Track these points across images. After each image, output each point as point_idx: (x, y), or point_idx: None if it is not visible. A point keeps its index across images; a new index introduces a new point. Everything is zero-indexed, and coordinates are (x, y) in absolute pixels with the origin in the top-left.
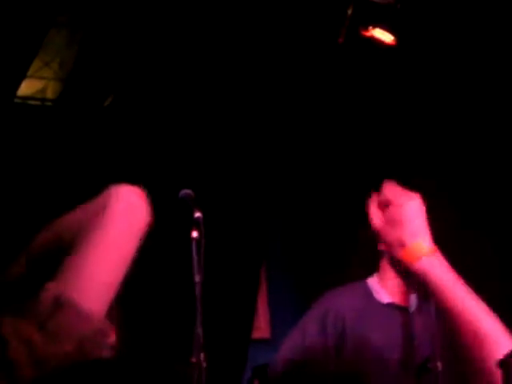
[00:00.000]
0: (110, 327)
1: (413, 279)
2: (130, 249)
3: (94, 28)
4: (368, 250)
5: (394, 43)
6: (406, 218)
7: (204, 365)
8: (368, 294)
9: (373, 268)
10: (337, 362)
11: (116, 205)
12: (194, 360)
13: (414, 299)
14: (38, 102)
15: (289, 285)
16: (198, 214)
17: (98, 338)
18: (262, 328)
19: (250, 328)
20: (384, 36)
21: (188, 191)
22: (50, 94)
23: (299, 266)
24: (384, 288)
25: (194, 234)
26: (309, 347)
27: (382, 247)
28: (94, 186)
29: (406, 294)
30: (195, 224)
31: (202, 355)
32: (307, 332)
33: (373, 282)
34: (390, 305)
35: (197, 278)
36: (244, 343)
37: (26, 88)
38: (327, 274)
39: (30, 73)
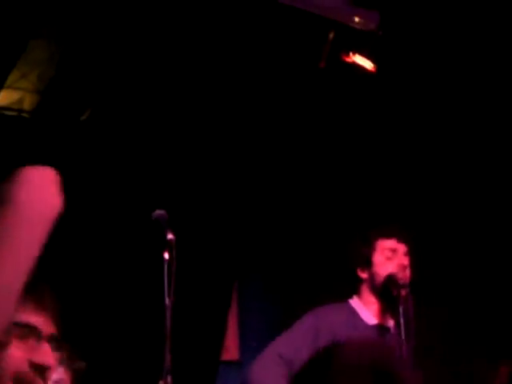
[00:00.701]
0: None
1: (391, 304)
2: (38, 244)
3: (75, 42)
4: (341, 276)
5: (374, 70)
6: None
7: None
8: (354, 314)
9: (344, 293)
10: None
11: (24, 193)
12: (161, 383)
13: (391, 321)
14: (14, 113)
15: (260, 306)
16: (170, 236)
17: None
18: (231, 349)
19: (219, 350)
20: (365, 62)
21: (162, 212)
22: (27, 106)
23: (271, 288)
24: (368, 310)
25: (166, 255)
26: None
27: (362, 275)
28: (65, 200)
29: (386, 316)
30: (168, 246)
31: (169, 378)
32: (299, 348)
33: (355, 303)
34: (375, 326)
35: (167, 301)
36: (213, 365)
37: (3, 98)
38: (299, 297)
39: (7, 83)
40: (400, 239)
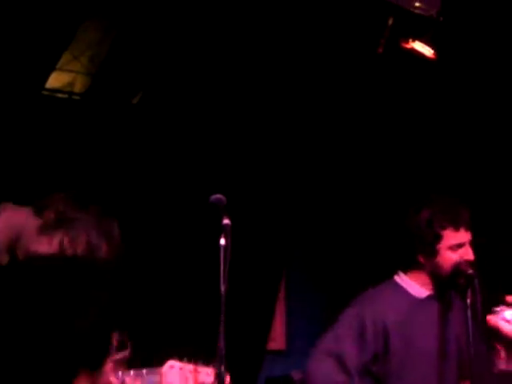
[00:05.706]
0: None
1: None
2: None
3: (128, 24)
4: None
5: (433, 57)
6: None
7: (227, 376)
8: (403, 291)
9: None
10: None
11: None
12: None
13: (451, 294)
14: (65, 96)
15: (307, 298)
16: (226, 221)
17: None
18: (277, 339)
19: (265, 339)
20: (424, 49)
21: (219, 196)
22: (77, 88)
23: (319, 278)
24: (417, 284)
25: (222, 241)
26: (348, 363)
27: (421, 260)
28: (118, 184)
29: (438, 287)
30: (223, 231)
31: (222, 366)
32: (345, 342)
33: (403, 280)
34: (428, 297)
35: (222, 288)
36: (259, 354)
37: (54, 80)
38: (346, 287)
39: (58, 65)
40: (467, 227)
